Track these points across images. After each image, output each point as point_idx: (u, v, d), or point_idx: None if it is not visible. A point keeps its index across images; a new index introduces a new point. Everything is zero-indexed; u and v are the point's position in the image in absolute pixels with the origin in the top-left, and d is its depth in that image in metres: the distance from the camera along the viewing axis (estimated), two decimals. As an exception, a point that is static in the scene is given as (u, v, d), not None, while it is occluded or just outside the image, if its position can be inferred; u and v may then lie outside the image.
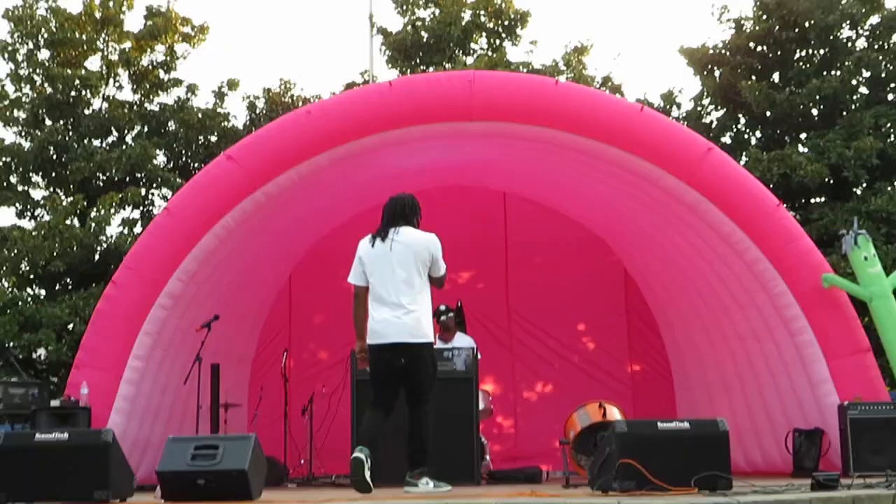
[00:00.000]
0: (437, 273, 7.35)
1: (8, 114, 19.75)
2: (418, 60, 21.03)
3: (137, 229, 18.81)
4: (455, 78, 10.58)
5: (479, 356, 9.79)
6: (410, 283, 7.15)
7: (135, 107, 20.60)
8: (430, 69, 20.54)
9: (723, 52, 20.71)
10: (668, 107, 20.85)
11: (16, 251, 17.81)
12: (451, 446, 8.75)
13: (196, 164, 19.78)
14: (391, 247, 7.26)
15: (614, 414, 8.11)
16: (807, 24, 19.86)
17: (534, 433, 12.52)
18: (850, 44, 20.09)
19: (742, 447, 10.55)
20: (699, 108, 21.10)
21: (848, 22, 19.90)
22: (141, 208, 19.69)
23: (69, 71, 19.60)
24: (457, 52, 21.05)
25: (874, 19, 20.00)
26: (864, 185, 18.52)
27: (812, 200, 19.18)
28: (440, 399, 8.63)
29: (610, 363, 13.03)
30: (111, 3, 20.50)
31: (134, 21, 20.88)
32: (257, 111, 21.04)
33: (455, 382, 9.33)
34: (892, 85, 19.89)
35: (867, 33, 20.12)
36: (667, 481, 5.79)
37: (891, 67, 19.61)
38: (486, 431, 11.10)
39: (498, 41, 21.52)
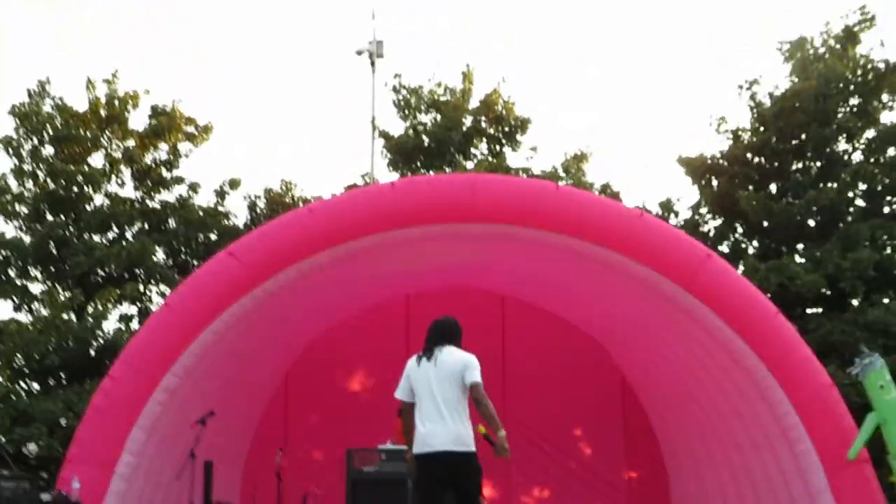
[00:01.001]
0: (467, 381, 7.52)
1: (10, 208, 19.85)
2: (419, 164, 21.24)
3: (134, 325, 18.79)
4: (458, 180, 10.71)
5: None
6: (453, 399, 7.51)
7: (136, 203, 20.69)
8: (431, 173, 20.74)
9: (720, 161, 20.93)
10: (666, 215, 20.99)
11: (12, 344, 17.77)
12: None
13: (195, 262, 19.80)
14: (436, 364, 7.61)
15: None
16: (803, 136, 20.13)
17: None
18: (846, 156, 20.35)
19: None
20: (696, 217, 21.24)
21: (844, 135, 20.19)
22: (139, 304, 19.69)
23: (72, 167, 19.76)
24: (457, 156, 21.26)
25: (870, 133, 20.30)
26: (862, 296, 18.60)
27: (809, 311, 19.22)
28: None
29: (606, 469, 12.98)
30: (116, 102, 20.78)
31: (138, 119, 21.06)
32: (258, 210, 21.20)
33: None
34: (889, 198, 20.07)
35: (863, 146, 20.38)
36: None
37: (887, 181, 19.80)
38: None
39: (498, 146, 21.75)
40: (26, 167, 20.11)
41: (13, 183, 20.08)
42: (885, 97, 20.24)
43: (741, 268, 18.75)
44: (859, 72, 20.18)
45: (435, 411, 7.54)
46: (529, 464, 13.06)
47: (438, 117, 21.59)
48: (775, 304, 10.55)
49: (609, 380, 13.11)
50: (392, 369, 12.82)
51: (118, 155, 20.80)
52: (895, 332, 17.81)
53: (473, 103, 21.81)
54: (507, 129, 21.71)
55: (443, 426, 7.49)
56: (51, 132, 20.19)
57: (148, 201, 20.91)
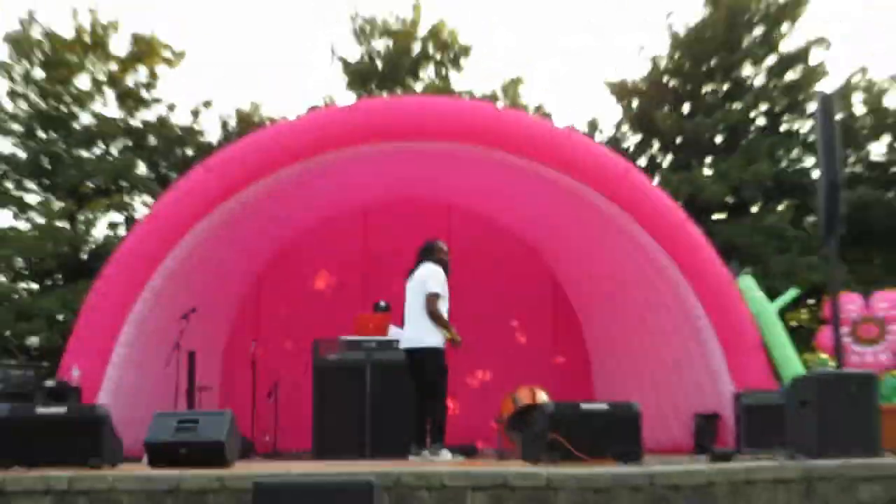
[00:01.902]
0: (424, 290, 8.09)
1: (5, 125, 19.56)
2: (374, 86, 21.16)
3: (121, 231, 18.74)
4: (410, 103, 10.68)
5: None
6: (416, 306, 8.12)
7: (120, 122, 20.49)
8: (384, 93, 20.66)
9: (640, 84, 21.06)
10: (592, 133, 21.14)
11: (11, 250, 17.66)
12: (398, 425, 8.87)
13: (174, 174, 19.70)
14: (411, 278, 8.27)
15: (543, 398, 8.22)
16: (714, 62, 20.27)
17: (473, 415, 12.60)
18: (750, 80, 20.52)
19: (651, 430, 10.65)
20: (618, 135, 21.42)
21: (749, 60, 20.34)
22: (125, 213, 19.61)
23: (61, 88, 19.46)
24: (408, 79, 21.20)
25: (771, 59, 20.45)
26: (760, 204, 18.95)
27: (715, 217, 19.54)
28: (394, 383, 8.87)
29: (537, 355, 13.16)
30: (99, 29, 20.39)
31: (119, 45, 20.71)
32: (229, 128, 21.05)
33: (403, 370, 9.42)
34: (786, 117, 20.33)
35: (765, 71, 20.56)
36: (587, 454, 5.95)
37: (785, 102, 20.05)
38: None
39: (444, 71, 21.70)
40: (19, 89, 19.77)
41: (7, 103, 19.78)
42: (785, 27, 20.39)
43: (657, 179, 19.02)
44: (763, 4, 20.26)
45: (406, 316, 8.22)
46: (472, 351, 13.22)
47: (391, 44, 21.43)
48: (686, 211, 10.73)
49: (542, 278, 13.26)
50: (352, 271, 13.06)
51: (102, 77, 20.47)
52: (788, 235, 18.24)
53: (422, 32, 21.67)
54: (451, 55, 21.62)
55: (408, 328, 8.20)
56: (40, 57, 19.81)
57: (130, 120, 20.70)
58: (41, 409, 5.92)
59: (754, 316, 10.22)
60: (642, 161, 20.69)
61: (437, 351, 8.10)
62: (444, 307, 8.19)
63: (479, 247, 13.16)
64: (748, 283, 10.67)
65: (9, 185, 19.42)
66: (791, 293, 11.08)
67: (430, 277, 8.14)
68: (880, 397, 10.01)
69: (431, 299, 8.05)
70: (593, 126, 21.48)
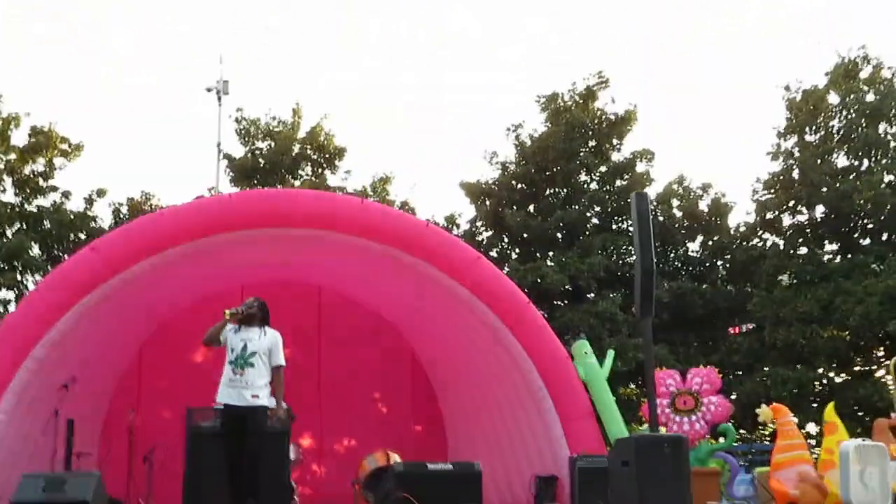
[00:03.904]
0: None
1: None
2: (256, 181, 20.95)
3: (12, 308, 17.81)
4: (282, 194, 10.60)
5: (294, 417, 9.57)
6: None
7: (16, 207, 19.69)
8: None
9: (492, 186, 21.43)
10: (450, 227, 21.35)
11: None
12: (267, 488, 8.53)
13: (66, 257, 18.95)
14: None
15: (396, 459, 8.09)
16: (555, 169, 20.84)
17: (338, 479, 12.27)
18: (586, 185, 21.15)
19: (497, 491, 10.67)
20: (473, 229, 21.68)
21: (584, 169, 20.99)
22: (15, 291, 18.68)
23: (-41, 174, 18.64)
24: (287, 176, 21.08)
25: (603, 168, 21.17)
26: (595, 292, 19.37)
27: (556, 302, 19.86)
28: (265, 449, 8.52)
29: (398, 423, 13.02)
30: (0, 121, 19.67)
31: (19, 137, 20.03)
32: (121, 216, 20.43)
33: (272, 437, 9.10)
34: (616, 217, 20.97)
35: (598, 178, 21.23)
36: (434, 510, 5.85)
37: (615, 205, 20.70)
38: (299, 478, 10.88)
39: (320, 169, 21.68)
40: (-82, 176, 18.85)
41: None
42: (615, 140, 21.19)
43: (506, 269, 19.24)
44: (596, 121, 21.04)
45: None
46: (339, 420, 13.01)
47: (273, 144, 21.35)
48: (530, 297, 10.86)
49: (402, 355, 13.17)
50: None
51: (1, 166, 19.68)
52: (619, 319, 18.66)
53: (301, 133, 21.67)
54: (327, 155, 21.65)
55: None
56: (-60, 144, 18.97)
57: (26, 205, 19.90)
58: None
59: (587, 378, 10.35)
60: (494, 253, 20.96)
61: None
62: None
63: (346, 324, 13.03)
64: (584, 347, 10.82)
65: None
66: (610, 354, 11.28)
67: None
68: (697, 461, 10.26)
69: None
70: (451, 220, 21.72)
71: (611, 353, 11.31)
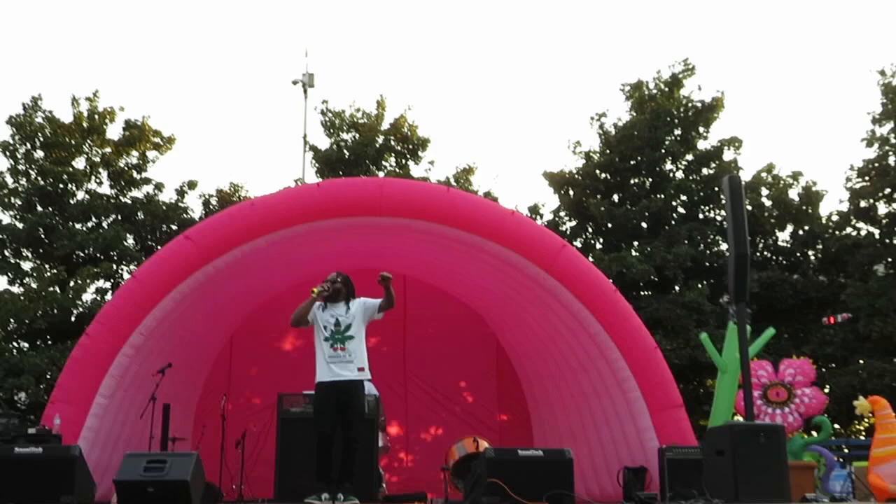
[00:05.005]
0: None
1: (6, 200, 19.28)
2: (341, 173, 21.15)
3: (108, 297, 18.35)
4: (369, 182, 10.65)
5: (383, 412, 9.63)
6: None
7: (111, 199, 20.27)
8: (350, 179, 20.63)
9: (576, 176, 21.24)
10: (533, 216, 21.24)
11: (5, 311, 17.22)
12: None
13: (159, 247, 19.44)
14: None
15: (485, 446, 8.07)
16: (639, 158, 20.54)
17: (425, 467, 12.35)
18: (671, 174, 20.80)
19: (584, 482, 10.55)
20: (556, 219, 21.53)
21: (670, 157, 20.64)
22: (112, 280, 19.25)
23: (59, 168, 19.25)
24: (371, 167, 21.22)
25: (689, 156, 20.78)
26: (681, 282, 19.03)
27: (641, 293, 19.61)
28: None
29: (483, 413, 13.02)
30: (96, 116, 20.27)
31: (114, 130, 20.64)
32: (211, 206, 20.87)
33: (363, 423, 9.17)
34: (703, 207, 20.59)
35: (684, 167, 20.86)
36: (524, 496, 5.80)
37: (701, 194, 20.32)
38: (386, 466, 10.97)
39: (404, 160, 21.76)
40: (20, 167, 19.54)
41: (9, 180, 19.53)
42: (701, 129, 20.78)
43: (590, 258, 19.04)
44: (682, 108, 20.66)
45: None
46: (425, 408, 13.07)
47: (357, 136, 21.50)
48: (615, 286, 10.71)
49: (486, 343, 13.16)
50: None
51: (97, 159, 20.32)
52: (706, 310, 18.32)
53: (385, 125, 21.77)
54: (411, 146, 21.70)
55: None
56: (41, 139, 19.65)
57: (121, 198, 20.48)
58: (18, 450, 5.67)
59: (725, 369, 10.06)
60: (577, 243, 20.78)
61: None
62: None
63: (432, 314, 13.07)
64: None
65: (7, 252, 19.07)
66: (769, 331, 10.90)
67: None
68: (790, 454, 9.99)
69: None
70: (535, 210, 21.60)
71: (770, 331, 10.89)
